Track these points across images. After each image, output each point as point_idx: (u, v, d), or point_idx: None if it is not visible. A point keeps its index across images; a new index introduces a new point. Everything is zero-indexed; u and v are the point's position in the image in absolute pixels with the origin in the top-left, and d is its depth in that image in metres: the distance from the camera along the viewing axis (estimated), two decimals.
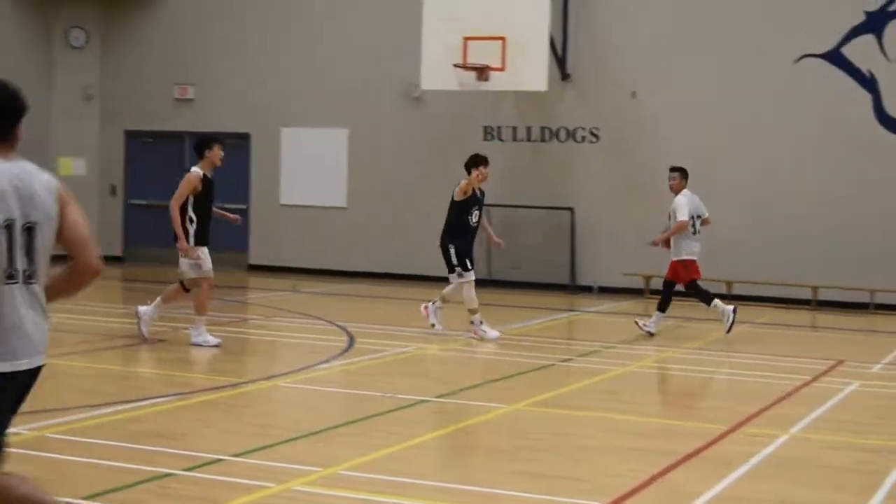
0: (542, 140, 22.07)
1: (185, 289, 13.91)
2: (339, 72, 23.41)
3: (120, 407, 9.98)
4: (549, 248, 21.81)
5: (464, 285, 14.75)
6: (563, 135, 21.95)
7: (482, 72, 19.98)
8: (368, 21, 23.17)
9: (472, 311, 14.74)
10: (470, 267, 14.79)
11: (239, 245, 24.31)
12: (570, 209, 21.62)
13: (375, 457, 8.39)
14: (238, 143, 24.40)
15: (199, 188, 13.58)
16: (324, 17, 23.60)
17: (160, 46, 24.98)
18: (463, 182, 14.85)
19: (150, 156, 25.33)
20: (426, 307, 15.17)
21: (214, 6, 24.55)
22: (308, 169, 23.72)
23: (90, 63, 25.42)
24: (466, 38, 20.01)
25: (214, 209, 13.97)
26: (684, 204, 15.55)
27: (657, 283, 20.70)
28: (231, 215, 14.53)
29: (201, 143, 13.95)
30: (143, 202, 25.30)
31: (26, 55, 24.71)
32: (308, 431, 9.20)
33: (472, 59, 19.97)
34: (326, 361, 12.77)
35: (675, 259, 15.72)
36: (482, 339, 14.67)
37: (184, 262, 13.72)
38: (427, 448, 8.86)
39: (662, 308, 15.66)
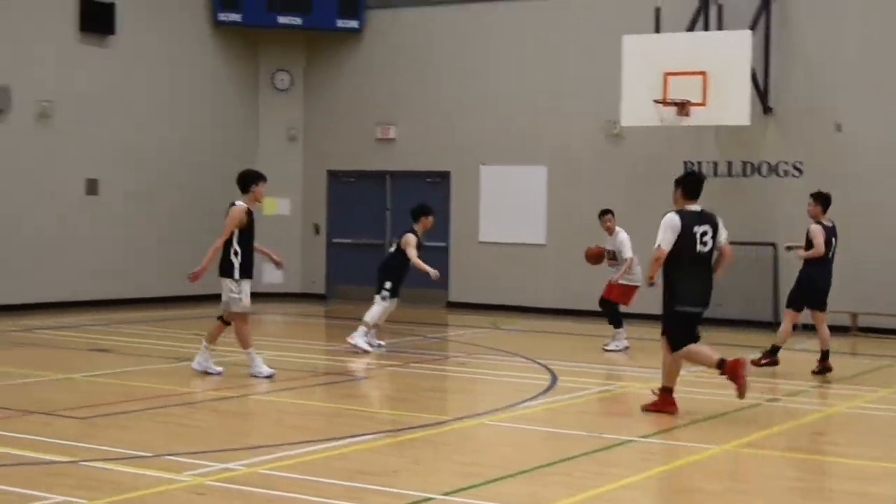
0: (744, 175, 21.75)
1: (226, 322, 14.07)
2: (538, 109, 23.49)
3: (329, 444, 10.14)
4: (751, 284, 21.43)
5: (385, 306, 16.68)
6: (765, 169, 21.59)
7: (683, 107, 19.80)
8: (568, 58, 23.21)
9: (372, 328, 16.66)
10: (395, 295, 16.83)
11: (438, 282, 24.52)
12: (773, 245, 21.22)
13: (584, 497, 8.34)
14: (438, 182, 24.68)
15: (245, 222, 13.76)
16: (523, 55, 23.73)
17: (362, 87, 25.44)
18: (413, 239, 16.66)
19: (353, 195, 25.79)
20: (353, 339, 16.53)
21: (414, 47, 24.91)
22: (507, 206, 23.83)
23: (294, 104, 26.06)
24: (667, 74, 19.85)
25: (257, 245, 14.15)
26: (627, 240, 17.70)
27: (864, 321, 20.21)
28: (275, 257, 14.44)
29: (245, 178, 14.06)
30: (346, 241, 25.76)
31: (234, 98, 25.49)
32: (515, 470, 9.20)
33: (673, 95, 19.81)
34: (530, 399, 12.76)
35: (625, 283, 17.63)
36: (364, 352, 16.24)
37: (226, 297, 13.86)
38: (636, 489, 8.77)
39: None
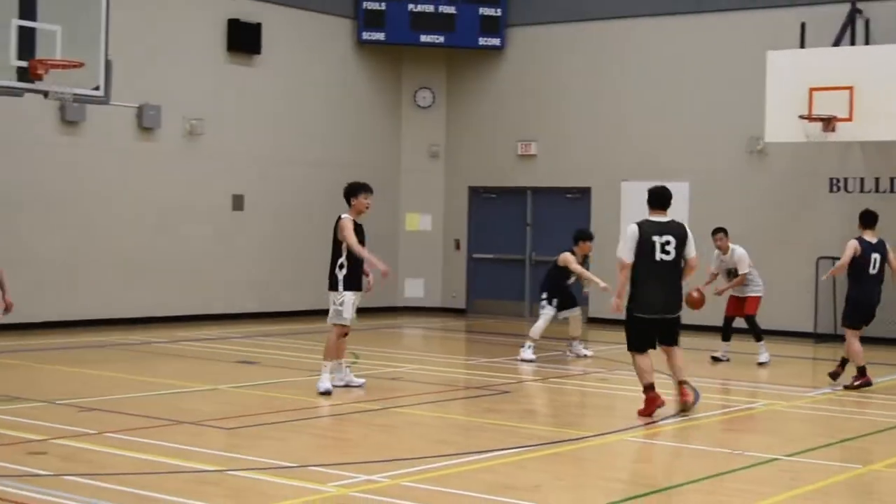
0: (892, 191, 21.31)
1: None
2: (681, 125, 23.34)
3: (471, 458, 10.20)
4: None
5: (547, 318, 17.87)
6: None
7: (829, 123, 19.53)
8: (711, 74, 23.03)
9: (532, 340, 17.59)
10: (566, 307, 18.06)
11: (579, 298, 24.50)
12: None
13: None
14: (578, 198, 24.67)
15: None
16: (665, 71, 23.61)
17: (503, 104, 25.56)
18: (572, 258, 17.77)
19: (493, 211, 25.90)
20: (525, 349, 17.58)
21: (556, 64, 24.94)
22: None
23: (436, 122, 26.27)
24: (812, 89, 19.61)
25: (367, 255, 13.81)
26: (745, 256, 18.06)
27: None
28: (381, 266, 13.76)
29: (347, 190, 14.12)
30: (487, 256, 25.87)
31: (377, 115, 25.79)
32: (656, 487, 9.16)
33: (819, 110, 19.54)
34: (672, 416, 12.68)
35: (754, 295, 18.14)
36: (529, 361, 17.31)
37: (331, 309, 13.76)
38: None
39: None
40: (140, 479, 9.09)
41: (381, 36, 25.16)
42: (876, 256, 15.18)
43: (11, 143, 19.86)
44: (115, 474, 9.22)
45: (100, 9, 16.67)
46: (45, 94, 16.24)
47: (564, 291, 18.18)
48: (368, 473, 9.38)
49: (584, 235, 18.36)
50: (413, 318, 24.76)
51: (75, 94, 16.49)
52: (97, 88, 16.79)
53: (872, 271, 15.16)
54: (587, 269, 18.31)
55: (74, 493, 8.49)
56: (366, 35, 25.11)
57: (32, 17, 15.89)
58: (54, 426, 11.11)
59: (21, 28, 15.85)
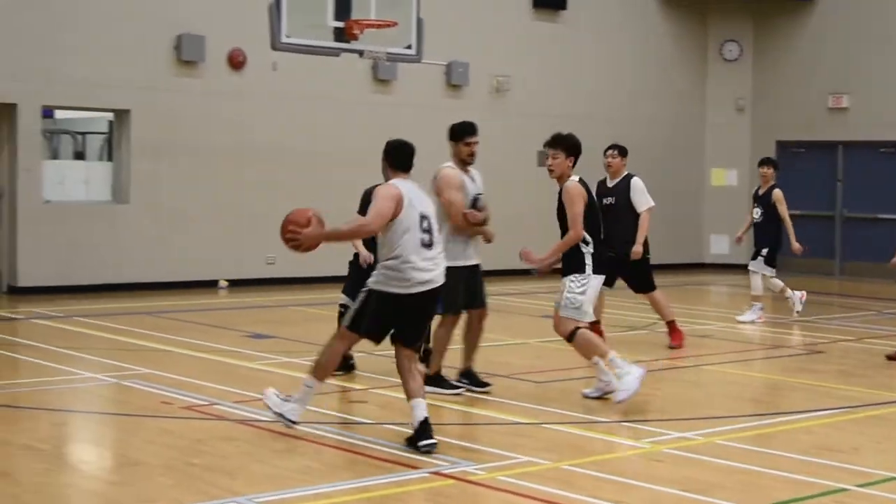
0: None
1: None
2: None
3: (784, 418, 10.06)
4: None
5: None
6: None
7: None
8: None
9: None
10: None
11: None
12: None
13: None
14: (893, 153, 23.79)
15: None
16: None
17: (813, 56, 24.84)
18: None
19: (802, 166, 25.23)
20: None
21: (870, 12, 24.05)
22: None
23: (742, 75, 25.78)
24: None
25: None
26: None
27: None
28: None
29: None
30: (795, 212, 25.13)
31: (682, 69, 25.51)
32: None
33: None
34: None
35: None
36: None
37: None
38: None
39: None
40: (459, 429, 9.36)
41: None
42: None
43: (327, 101, 20.57)
44: (434, 424, 9.49)
45: None
46: (361, 53, 16.74)
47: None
48: (681, 430, 9.37)
49: None
50: (718, 274, 24.45)
51: (389, 53, 16.93)
52: (409, 47, 17.19)
53: None
54: None
55: (391, 440, 8.80)
56: None
57: None
58: (374, 376, 11.51)
59: None
